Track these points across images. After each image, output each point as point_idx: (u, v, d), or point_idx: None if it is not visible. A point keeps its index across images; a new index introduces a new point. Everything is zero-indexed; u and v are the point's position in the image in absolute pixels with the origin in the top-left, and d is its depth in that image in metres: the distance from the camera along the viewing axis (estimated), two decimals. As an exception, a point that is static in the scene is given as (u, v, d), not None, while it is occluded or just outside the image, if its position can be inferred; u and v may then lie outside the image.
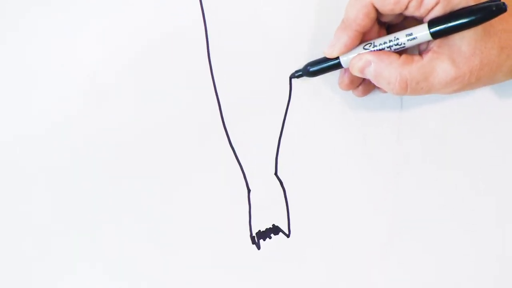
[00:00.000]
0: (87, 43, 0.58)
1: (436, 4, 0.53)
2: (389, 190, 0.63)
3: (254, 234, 0.61)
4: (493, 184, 0.64)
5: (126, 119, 0.59)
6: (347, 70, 0.58)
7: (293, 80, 0.61)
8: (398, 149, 0.63)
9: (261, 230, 0.61)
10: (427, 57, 0.55)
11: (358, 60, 0.56)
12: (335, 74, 0.61)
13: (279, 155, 0.61)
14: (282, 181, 0.61)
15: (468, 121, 0.63)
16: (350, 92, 0.61)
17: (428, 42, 0.55)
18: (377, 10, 0.55)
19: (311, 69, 0.59)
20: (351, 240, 0.62)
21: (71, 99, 0.59)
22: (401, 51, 0.56)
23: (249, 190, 0.61)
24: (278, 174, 0.61)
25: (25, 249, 0.59)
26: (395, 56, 0.55)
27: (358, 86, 0.60)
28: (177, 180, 0.60)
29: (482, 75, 0.55)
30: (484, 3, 0.52)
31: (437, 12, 0.53)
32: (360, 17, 0.55)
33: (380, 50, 0.56)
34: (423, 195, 0.63)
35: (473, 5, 0.52)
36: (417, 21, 0.56)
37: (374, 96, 0.62)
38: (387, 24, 0.58)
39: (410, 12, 0.54)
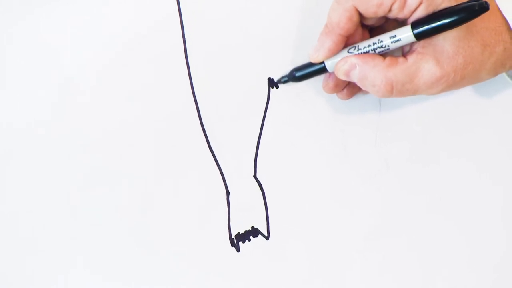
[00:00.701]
0: (64, 44, 0.59)
1: (419, 5, 0.53)
2: (368, 191, 0.63)
3: (233, 237, 0.61)
4: (474, 184, 0.64)
5: (103, 121, 0.60)
6: (331, 74, 0.59)
7: (272, 85, 0.61)
8: (377, 150, 0.63)
9: (240, 233, 0.61)
10: (411, 58, 0.55)
11: (343, 64, 0.56)
12: (315, 77, 0.61)
13: (258, 157, 0.62)
14: (261, 183, 0.62)
15: (447, 121, 0.63)
16: (330, 94, 0.61)
17: (412, 43, 0.55)
18: (360, 14, 0.55)
19: (296, 74, 0.60)
20: (330, 242, 0.62)
21: (46, 100, 0.59)
22: (385, 54, 0.56)
23: (228, 193, 0.61)
24: (257, 176, 0.62)
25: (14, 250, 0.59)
26: (379, 59, 0.55)
27: (342, 89, 0.61)
28: (156, 182, 0.60)
29: (466, 73, 0.55)
30: (466, 2, 0.53)
31: (420, 13, 0.54)
32: (343, 21, 0.55)
33: (364, 53, 0.56)
34: (403, 196, 0.63)
35: (455, 5, 0.53)
36: (400, 23, 0.56)
37: (353, 98, 0.62)
38: (370, 27, 0.59)
39: (393, 14, 0.55)
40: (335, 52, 0.57)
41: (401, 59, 0.55)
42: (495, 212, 0.64)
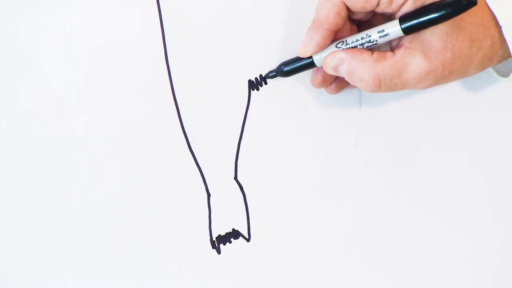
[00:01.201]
0: (44, 48, 0.59)
1: None
2: (349, 192, 0.63)
3: (214, 239, 0.61)
4: (458, 180, 0.64)
5: (84, 124, 0.59)
6: (319, 68, 0.59)
7: (252, 87, 0.61)
8: (357, 150, 0.63)
9: (221, 235, 0.61)
10: (399, 53, 0.55)
11: (331, 59, 0.56)
12: (296, 78, 0.61)
13: (238, 159, 0.61)
14: (242, 185, 0.62)
15: (431, 117, 0.63)
16: (309, 95, 0.61)
17: (400, 38, 0.55)
18: (348, 8, 0.55)
19: (284, 69, 0.59)
20: (311, 243, 0.62)
21: (28, 102, 0.59)
22: (373, 48, 0.56)
23: (209, 195, 0.61)
24: (238, 178, 0.62)
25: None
26: (367, 54, 0.55)
27: (330, 84, 0.60)
28: (136, 185, 0.60)
29: (454, 68, 0.55)
30: None
31: (408, 8, 0.53)
32: (331, 16, 0.55)
33: (353, 47, 0.56)
34: (385, 194, 0.63)
35: (443, 0, 0.53)
36: (388, 17, 0.56)
37: (332, 98, 0.62)
38: (358, 21, 0.58)
39: (381, 8, 0.55)
40: (323, 47, 0.57)
41: (389, 54, 0.55)
42: (480, 208, 0.64)
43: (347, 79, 0.57)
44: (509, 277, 0.65)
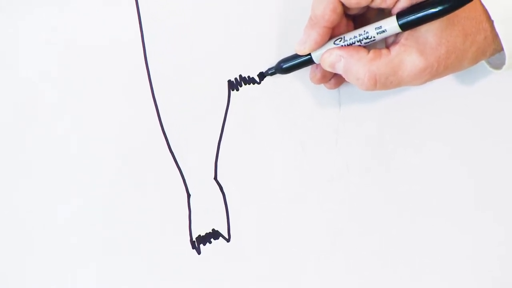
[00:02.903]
0: (24, 47, 0.59)
1: None
2: (329, 192, 0.63)
3: (194, 239, 0.61)
4: (438, 179, 0.64)
5: (64, 125, 0.59)
6: (318, 65, 0.59)
7: (232, 88, 0.61)
8: (337, 150, 0.63)
9: (201, 235, 0.61)
10: (394, 50, 0.55)
11: (328, 56, 0.57)
12: (277, 79, 0.61)
13: (218, 159, 0.61)
14: (222, 185, 0.62)
15: (410, 116, 0.64)
16: (289, 96, 0.61)
17: (396, 34, 0.56)
18: (343, 5, 0.55)
19: (283, 66, 0.60)
20: (291, 243, 0.62)
21: (6, 102, 0.59)
22: (370, 45, 0.56)
23: (188, 195, 0.61)
24: (218, 178, 0.62)
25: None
26: (364, 52, 0.56)
27: (330, 80, 0.61)
28: (116, 185, 0.60)
29: (449, 63, 0.55)
30: None
31: (403, 3, 0.54)
32: (328, 13, 0.55)
33: (350, 44, 0.56)
34: (365, 195, 0.63)
35: None
36: (383, 12, 0.56)
37: (312, 98, 0.62)
38: (353, 16, 0.59)
39: (376, 4, 0.55)
40: (321, 44, 0.57)
41: (384, 52, 0.55)
42: (466, 206, 0.65)
43: (343, 76, 0.57)
44: (491, 276, 0.65)
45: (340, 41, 0.57)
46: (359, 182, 0.63)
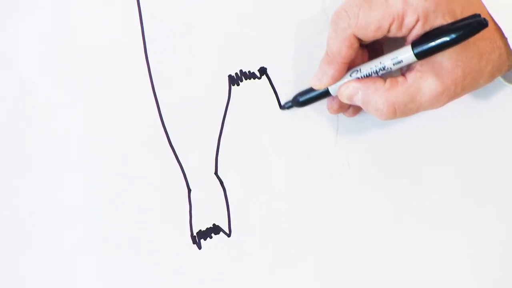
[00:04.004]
0: (24, 47, 0.59)
1: (416, 23, 0.53)
2: (330, 188, 0.63)
3: (195, 234, 0.61)
4: (436, 181, 0.64)
5: (65, 122, 0.59)
6: (336, 96, 0.59)
7: (232, 83, 0.61)
8: (337, 147, 0.63)
9: (202, 230, 0.61)
10: (410, 77, 0.55)
11: (345, 89, 0.57)
12: (278, 72, 0.61)
13: (219, 154, 0.62)
14: (222, 180, 0.62)
15: (408, 118, 0.64)
16: (289, 91, 0.62)
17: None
18: (359, 39, 0.55)
19: (300, 99, 0.60)
20: (291, 239, 0.62)
21: (6, 102, 0.59)
22: (386, 74, 0.57)
23: (189, 190, 0.61)
24: (218, 173, 0.62)
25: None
26: (380, 82, 0.56)
27: (348, 109, 0.61)
28: (117, 180, 0.60)
29: (466, 84, 0.55)
30: (464, 19, 0.53)
31: (417, 31, 0.54)
32: (344, 49, 0.55)
33: (367, 76, 0.56)
34: (365, 192, 0.63)
35: (455, 23, 0.53)
36: (398, 39, 0.56)
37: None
38: (367, 44, 0.59)
39: (392, 34, 0.55)
40: (338, 79, 0.57)
41: (401, 80, 0.56)
42: (465, 205, 0.65)
43: (362, 107, 0.57)
44: (491, 276, 0.65)
45: (356, 73, 0.57)
46: (360, 178, 0.63)
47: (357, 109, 0.61)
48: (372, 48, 0.59)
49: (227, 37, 0.61)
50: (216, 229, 0.61)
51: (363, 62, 0.58)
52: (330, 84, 0.58)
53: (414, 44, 0.54)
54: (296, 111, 0.62)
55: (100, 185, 0.60)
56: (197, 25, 0.61)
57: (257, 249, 0.62)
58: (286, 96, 0.62)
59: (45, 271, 0.59)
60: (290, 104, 0.61)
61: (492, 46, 0.56)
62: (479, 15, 0.53)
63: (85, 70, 0.59)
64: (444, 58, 0.54)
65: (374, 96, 0.56)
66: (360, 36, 0.55)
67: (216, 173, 0.62)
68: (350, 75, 0.57)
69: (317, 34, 0.62)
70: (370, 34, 0.55)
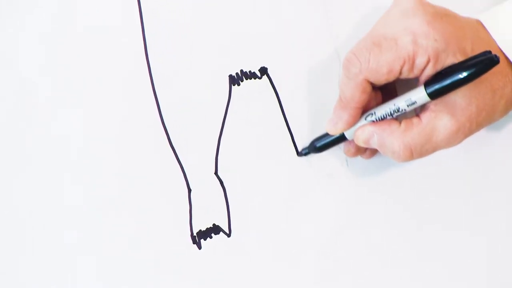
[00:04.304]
0: (24, 47, 0.59)
1: (427, 63, 0.53)
2: (329, 188, 0.63)
3: (195, 234, 0.61)
4: (436, 179, 0.64)
5: (64, 121, 0.59)
6: (352, 140, 0.59)
7: (233, 83, 0.61)
8: (337, 147, 0.63)
9: (202, 230, 0.61)
10: (425, 118, 0.55)
11: (361, 133, 0.57)
12: (278, 69, 0.61)
13: (219, 154, 0.61)
14: (223, 180, 0.62)
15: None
16: (288, 91, 0.62)
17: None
18: (371, 83, 0.56)
19: (317, 145, 0.61)
20: (291, 239, 0.62)
21: (6, 102, 0.59)
22: (400, 115, 0.57)
23: (189, 190, 0.61)
24: (219, 173, 0.62)
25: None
26: (396, 125, 0.56)
27: (365, 151, 0.61)
28: (117, 180, 0.60)
29: (481, 120, 0.55)
30: (476, 57, 0.53)
31: (429, 71, 0.54)
32: (357, 95, 0.56)
33: (381, 118, 0.57)
34: (364, 193, 0.63)
35: (466, 61, 0.53)
36: (410, 80, 0.56)
37: (311, 94, 0.62)
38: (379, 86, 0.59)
39: (404, 76, 0.55)
40: (352, 124, 0.58)
41: (415, 121, 0.56)
42: (465, 204, 0.65)
43: (379, 150, 0.58)
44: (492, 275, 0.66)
45: (371, 116, 0.57)
46: (359, 178, 0.63)
47: (374, 152, 0.62)
48: (386, 90, 0.59)
49: (228, 36, 0.61)
50: (216, 229, 0.61)
51: (377, 104, 0.58)
52: (345, 129, 0.58)
53: (427, 84, 0.54)
54: (297, 110, 0.62)
55: (100, 185, 0.60)
56: (198, 25, 0.61)
57: (257, 249, 0.62)
58: (287, 98, 0.62)
59: (45, 271, 0.59)
60: (307, 150, 0.62)
61: (504, 80, 0.56)
62: (490, 52, 0.53)
63: (85, 70, 0.59)
64: (457, 96, 0.54)
65: (390, 139, 0.56)
66: (372, 80, 0.55)
67: (216, 173, 0.62)
68: (365, 119, 0.57)
69: (317, 34, 0.62)
70: (382, 77, 0.55)
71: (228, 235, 0.62)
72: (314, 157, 0.63)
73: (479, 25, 0.57)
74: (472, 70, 0.52)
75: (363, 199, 0.63)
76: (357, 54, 0.55)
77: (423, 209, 0.64)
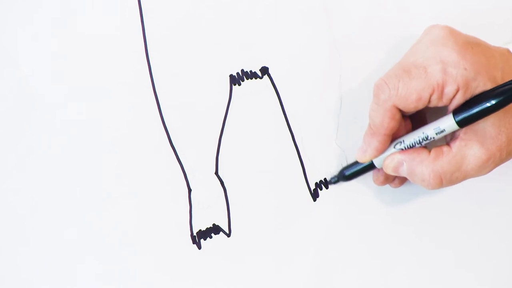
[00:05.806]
0: (24, 47, 0.58)
1: (456, 92, 0.53)
2: (329, 188, 0.63)
3: (195, 234, 0.61)
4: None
5: (65, 120, 0.59)
6: (381, 168, 0.59)
7: (234, 82, 0.61)
8: (336, 147, 0.63)
9: (202, 230, 0.61)
10: (455, 146, 0.55)
11: (390, 162, 0.57)
12: (278, 69, 0.61)
13: (219, 154, 0.61)
14: (223, 180, 0.62)
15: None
16: (289, 93, 0.62)
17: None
18: (400, 110, 0.55)
19: (346, 173, 0.61)
20: (291, 239, 0.62)
21: (6, 102, 0.58)
22: (429, 143, 0.57)
23: (189, 190, 0.61)
24: (219, 173, 0.61)
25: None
26: (425, 153, 0.56)
27: (394, 180, 0.61)
28: (117, 180, 0.60)
29: (511, 149, 0.55)
30: (505, 85, 0.53)
31: (458, 100, 0.54)
32: (387, 121, 0.56)
33: (410, 146, 0.57)
34: (364, 193, 0.64)
35: (495, 89, 0.53)
36: (440, 108, 0.56)
37: (312, 94, 0.62)
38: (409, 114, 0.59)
39: (433, 104, 0.55)
40: (382, 151, 0.58)
41: (445, 149, 0.56)
42: (465, 204, 0.65)
43: (408, 178, 0.57)
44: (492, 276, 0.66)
45: (399, 144, 0.57)
46: (358, 177, 0.63)
47: (402, 180, 0.61)
48: (416, 118, 0.59)
49: (229, 36, 0.61)
50: (216, 229, 0.61)
51: (407, 132, 0.58)
52: (375, 157, 0.58)
53: (455, 112, 0.54)
54: (297, 110, 0.62)
55: (101, 185, 0.60)
56: (198, 25, 0.61)
57: (257, 249, 0.62)
58: (287, 96, 0.62)
59: (45, 270, 0.59)
60: (336, 179, 0.62)
61: None
62: None
63: (85, 70, 0.59)
64: (487, 125, 0.54)
65: (420, 167, 0.56)
66: (401, 107, 0.55)
67: (216, 173, 0.61)
68: (394, 147, 0.57)
69: (318, 34, 0.62)
70: (411, 105, 0.55)
71: (228, 235, 0.62)
72: (315, 158, 0.62)
73: (509, 54, 0.57)
74: (501, 98, 0.52)
75: (363, 200, 0.63)
76: (387, 81, 0.55)
77: (425, 212, 0.64)
